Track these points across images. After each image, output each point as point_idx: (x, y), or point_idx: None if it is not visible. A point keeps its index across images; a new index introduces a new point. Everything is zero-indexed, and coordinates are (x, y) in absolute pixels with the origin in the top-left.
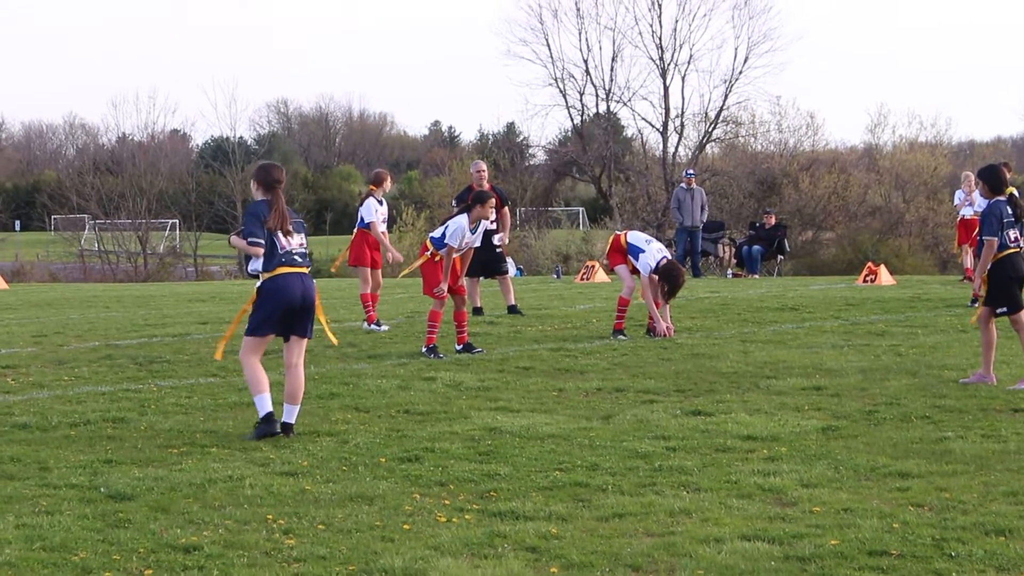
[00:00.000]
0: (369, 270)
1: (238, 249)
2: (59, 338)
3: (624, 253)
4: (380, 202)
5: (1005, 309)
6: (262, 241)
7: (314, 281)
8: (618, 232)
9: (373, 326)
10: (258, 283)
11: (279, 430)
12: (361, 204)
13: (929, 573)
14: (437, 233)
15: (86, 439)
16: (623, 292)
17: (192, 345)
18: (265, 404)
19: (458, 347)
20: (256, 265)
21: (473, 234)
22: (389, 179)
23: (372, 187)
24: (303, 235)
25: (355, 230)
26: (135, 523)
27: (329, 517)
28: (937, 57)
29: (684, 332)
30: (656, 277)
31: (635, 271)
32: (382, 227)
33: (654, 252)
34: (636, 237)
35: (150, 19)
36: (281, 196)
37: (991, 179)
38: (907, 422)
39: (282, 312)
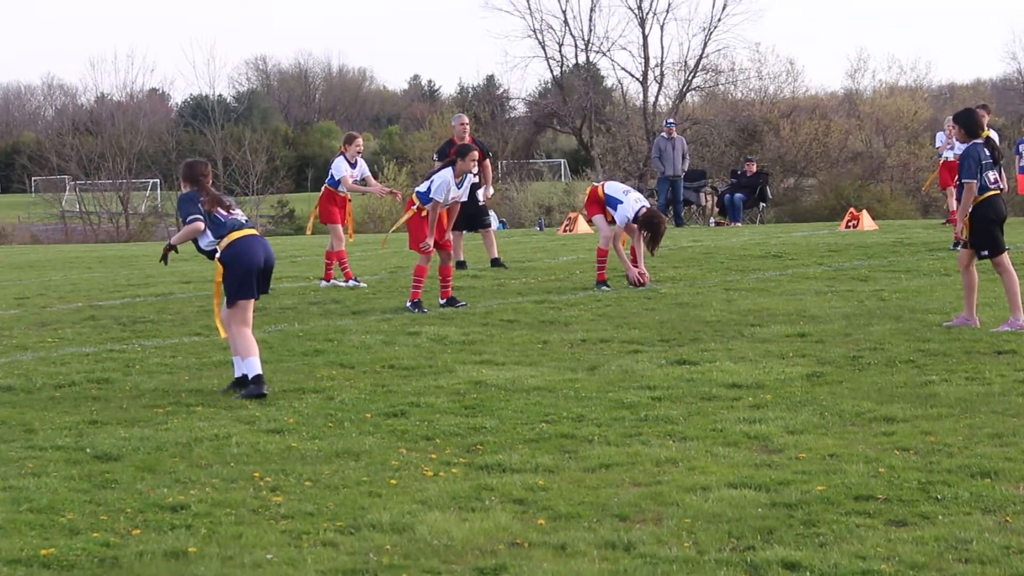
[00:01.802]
0: (340, 227)
1: (184, 240)
2: (42, 300)
3: (602, 204)
4: (353, 164)
5: (987, 252)
6: (199, 216)
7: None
8: (595, 184)
9: (352, 282)
10: (217, 255)
11: (266, 393)
12: (331, 163)
13: (915, 516)
14: (423, 188)
15: (71, 400)
16: (600, 243)
17: (175, 304)
18: (254, 366)
19: (441, 301)
20: (205, 240)
21: (459, 188)
22: (359, 140)
23: (343, 148)
24: (240, 209)
25: (322, 188)
26: (122, 483)
27: (316, 474)
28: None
29: (668, 282)
30: (634, 226)
31: (614, 222)
32: (354, 183)
33: (632, 202)
34: (614, 188)
35: None
36: (208, 184)
37: (967, 123)
38: (891, 367)
39: (252, 274)
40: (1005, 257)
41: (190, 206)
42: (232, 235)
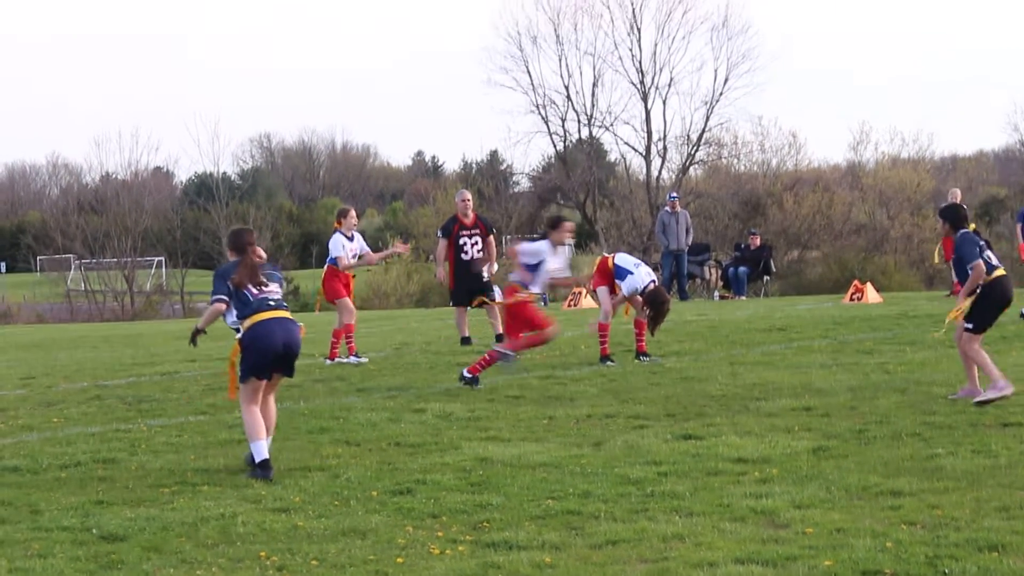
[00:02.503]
0: (348, 300)
1: (209, 322)
2: (47, 379)
3: (610, 276)
4: (349, 237)
5: (971, 326)
6: (224, 296)
7: (298, 324)
8: (605, 255)
9: (353, 358)
10: (238, 335)
11: (271, 477)
12: (329, 240)
13: None
14: (517, 274)
15: (77, 481)
16: (600, 318)
17: (181, 383)
18: (261, 451)
19: (511, 352)
20: (230, 319)
21: (558, 260)
22: (352, 213)
23: (337, 223)
24: (280, 284)
25: (325, 267)
26: (128, 564)
27: (322, 552)
28: (918, 72)
29: (672, 356)
30: (639, 299)
31: (616, 294)
32: (351, 260)
33: (643, 275)
34: (624, 260)
35: (132, 58)
36: (250, 254)
37: (954, 218)
38: (897, 440)
39: (267, 359)
40: (981, 337)
41: (219, 283)
42: (256, 317)
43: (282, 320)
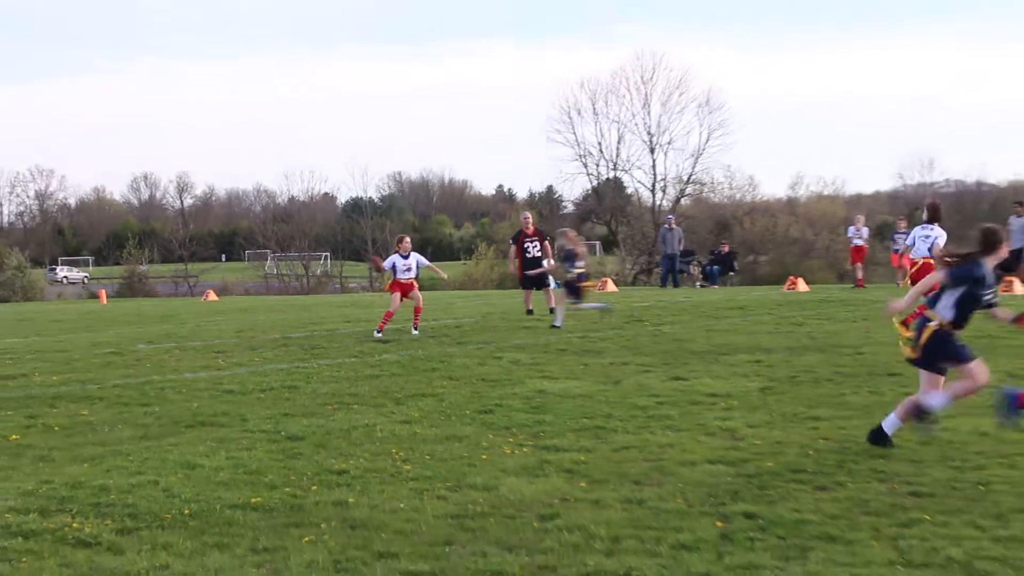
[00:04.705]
0: (398, 297)
1: None
2: (252, 332)
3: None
4: (405, 257)
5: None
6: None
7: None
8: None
9: (378, 333)
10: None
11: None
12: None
13: (833, 483)
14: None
15: (271, 399)
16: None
17: (340, 336)
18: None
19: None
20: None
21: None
22: (407, 240)
23: (397, 247)
24: (417, 264)
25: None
26: (304, 455)
27: (432, 451)
28: (835, 132)
29: (667, 324)
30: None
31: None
32: (405, 274)
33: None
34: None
35: (308, 115)
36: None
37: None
38: (818, 383)
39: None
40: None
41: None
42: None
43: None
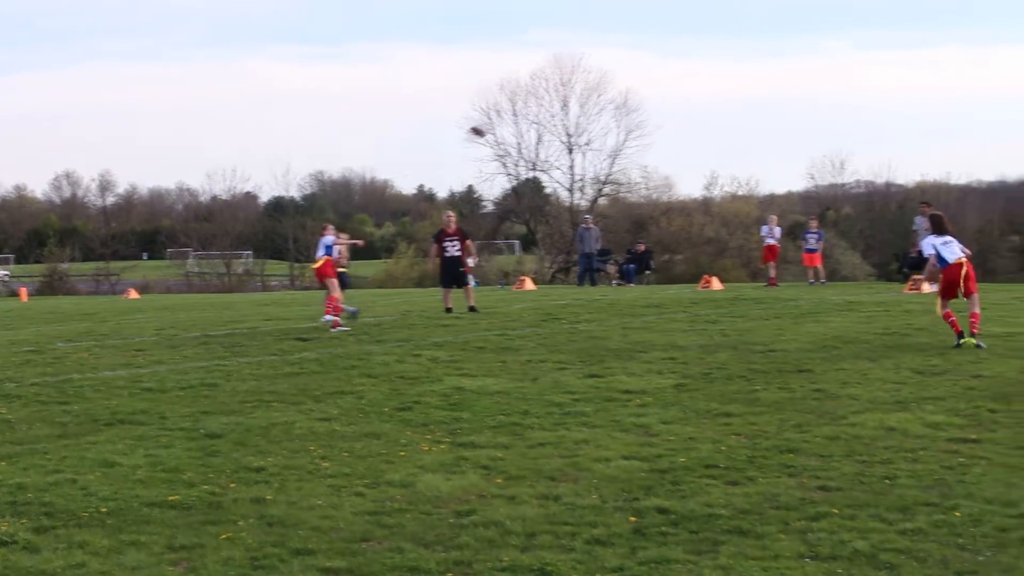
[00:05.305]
0: (335, 281)
1: None
2: (173, 330)
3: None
4: (330, 240)
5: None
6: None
7: None
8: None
9: (330, 317)
10: None
11: None
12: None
13: (744, 478)
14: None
15: (190, 397)
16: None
17: (261, 335)
18: None
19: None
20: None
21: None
22: (331, 227)
23: (322, 232)
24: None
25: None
26: (223, 453)
27: (351, 448)
28: (750, 133)
29: (584, 322)
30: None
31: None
32: (321, 252)
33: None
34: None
35: (231, 114)
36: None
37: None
38: (730, 379)
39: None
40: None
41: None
42: None
43: None
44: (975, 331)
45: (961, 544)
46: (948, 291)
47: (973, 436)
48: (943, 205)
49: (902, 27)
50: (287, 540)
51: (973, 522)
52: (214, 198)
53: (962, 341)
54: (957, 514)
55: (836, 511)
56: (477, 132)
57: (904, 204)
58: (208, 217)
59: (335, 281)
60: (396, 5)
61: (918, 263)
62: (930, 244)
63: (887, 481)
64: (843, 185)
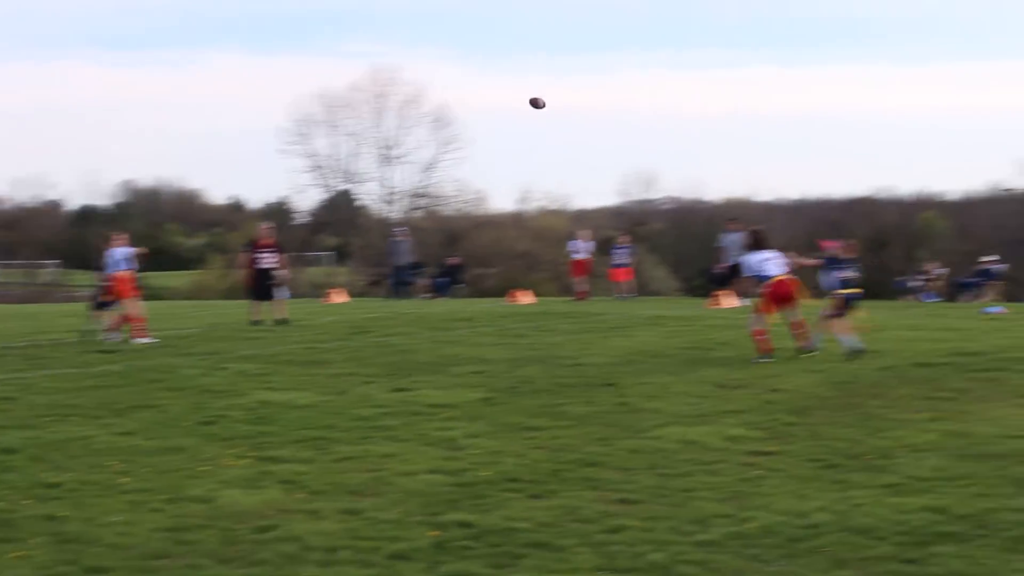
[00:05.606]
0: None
1: None
2: None
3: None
4: (125, 251)
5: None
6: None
7: None
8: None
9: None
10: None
11: None
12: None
13: (547, 492)
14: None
15: None
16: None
17: (63, 347)
18: None
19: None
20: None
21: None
22: (124, 237)
23: (110, 243)
24: None
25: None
26: (18, 468)
27: (151, 463)
28: (562, 148)
29: (395, 335)
30: None
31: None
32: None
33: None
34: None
35: (37, 121)
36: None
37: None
38: (537, 393)
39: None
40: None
41: None
42: None
43: None
44: (801, 342)
45: (754, 555)
46: (769, 306)
47: (770, 448)
48: (750, 222)
49: (716, 47)
50: (81, 558)
51: (766, 533)
52: (20, 207)
53: (808, 353)
54: (751, 525)
55: (635, 524)
56: (536, 104)
57: (711, 220)
58: (13, 225)
59: (136, 300)
60: (209, 11)
61: (722, 279)
62: (753, 260)
63: (685, 493)
64: (653, 201)
